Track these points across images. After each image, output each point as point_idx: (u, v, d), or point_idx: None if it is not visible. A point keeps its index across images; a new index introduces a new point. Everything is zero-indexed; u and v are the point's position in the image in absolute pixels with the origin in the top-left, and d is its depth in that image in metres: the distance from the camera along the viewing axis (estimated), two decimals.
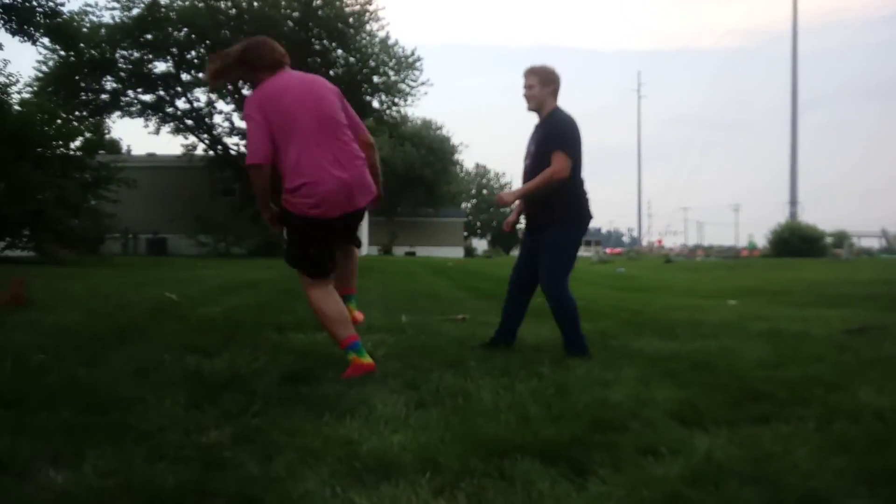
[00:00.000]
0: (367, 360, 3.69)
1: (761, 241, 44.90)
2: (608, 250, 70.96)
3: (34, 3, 16.86)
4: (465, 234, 66.84)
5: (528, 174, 4.50)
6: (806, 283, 13.67)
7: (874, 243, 64.41)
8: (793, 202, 42.17)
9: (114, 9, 24.97)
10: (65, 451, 2.30)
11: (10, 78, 16.90)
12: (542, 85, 4.45)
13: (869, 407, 3.05)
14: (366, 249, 47.38)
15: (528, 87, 4.49)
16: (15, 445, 2.33)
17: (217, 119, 28.51)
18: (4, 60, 20.64)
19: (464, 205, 72.73)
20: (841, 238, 46.55)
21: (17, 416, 2.65)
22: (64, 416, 2.66)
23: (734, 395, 3.28)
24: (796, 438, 2.61)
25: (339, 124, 3.76)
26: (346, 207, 3.72)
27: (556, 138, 4.35)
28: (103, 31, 24.53)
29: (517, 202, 4.69)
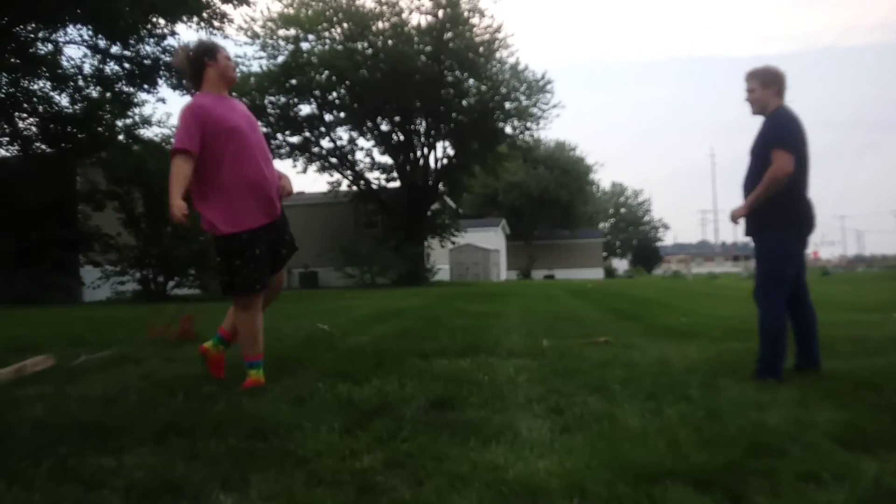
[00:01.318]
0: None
1: None
2: None
3: None
4: (605, 254, 65.61)
5: (749, 175, 4.30)
6: None
7: None
8: None
9: (261, 58, 26.83)
10: (232, 475, 2.47)
11: (173, 129, 18.45)
12: (763, 87, 4.27)
13: None
14: (504, 274, 47.58)
15: (749, 90, 4.32)
16: (188, 470, 2.52)
17: (359, 155, 29.94)
18: (167, 113, 22.57)
19: (601, 224, 71.53)
20: None
21: (189, 443, 2.87)
22: (231, 443, 2.86)
23: None
24: None
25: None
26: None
27: (776, 136, 4.15)
28: (252, 79, 26.33)
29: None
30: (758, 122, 4.34)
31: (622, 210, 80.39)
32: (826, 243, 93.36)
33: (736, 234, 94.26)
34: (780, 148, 4.06)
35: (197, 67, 4.09)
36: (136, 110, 18.22)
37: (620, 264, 72.52)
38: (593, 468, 2.49)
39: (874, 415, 3.11)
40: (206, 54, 4.08)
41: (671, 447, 2.71)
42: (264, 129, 28.15)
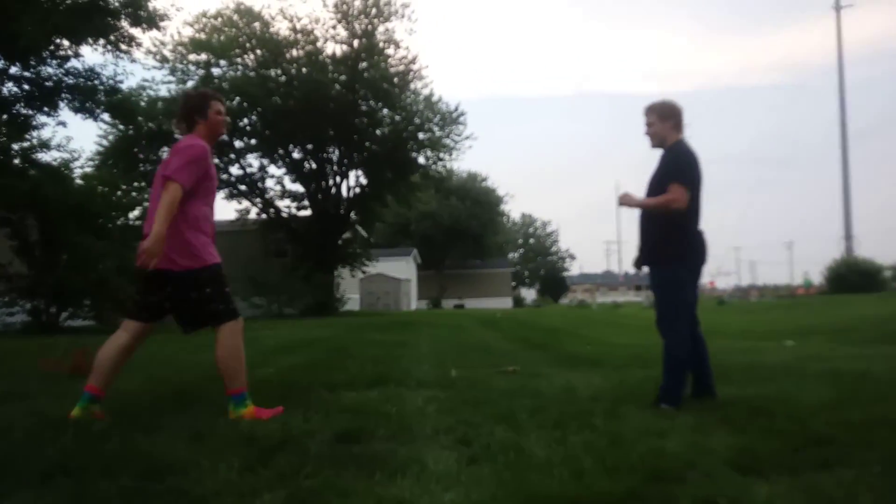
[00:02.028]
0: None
1: (817, 278, 43.71)
2: None
3: (96, 82, 17.75)
4: (514, 283, 66.62)
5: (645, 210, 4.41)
6: (865, 320, 13.22)
7: None
8: (848, 236, 41.03)
9: (170, 82, 26.12)
10: None
11: (73, 154, 17.68)
12: (661, 120, 4.37)
13: None
14: (415, 304, 47.58)
15: (648, 124, 4.42)
16: None
17: (269, 183, 29.35)
18: (67, 137, 21.64)
19: (511, 255, 72.73)
20: None
21: (76, 484, 2.71)
22: (122, 483, 2.71)
23: (794, 441, 3.19)
24: (860, 484, 2.52)
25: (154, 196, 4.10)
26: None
27: (672, 170, 4.26)
28: (160, 104, 25.61)
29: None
30: (658, 156, 4.49)
31: (531, 241, 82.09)
32: (722, 273, 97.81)
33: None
34: (676, 182, 4.20)
35: (189, 122, 4.20)
36: (35, 133, 17.36)
37: (529, 293, 73.79)
38: (499, 499, 2.49)
39: (767, 440, 3.24)
40: (196, 112, 4.18)
41: (575, 476, 2.74)
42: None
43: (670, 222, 4.23)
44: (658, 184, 4.30)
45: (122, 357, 4.19)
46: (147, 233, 3.94)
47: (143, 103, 24.94)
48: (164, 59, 25.69)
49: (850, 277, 33.22)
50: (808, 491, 2.49)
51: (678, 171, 4.25)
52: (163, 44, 25.48)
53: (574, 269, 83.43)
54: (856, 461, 2.81)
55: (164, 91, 26.00)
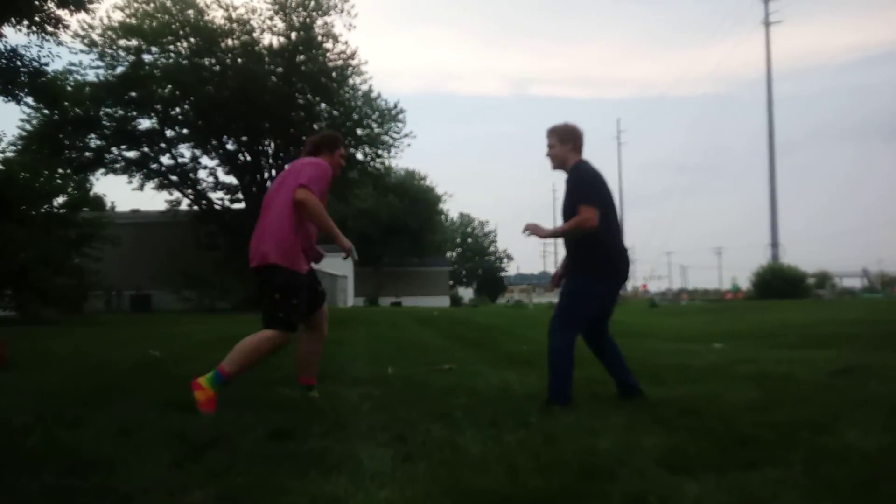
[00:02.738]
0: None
1: (744, 284, 45.19)
2: None
3: (18, 64, 17.02)
4: (451, 282, 66.81)
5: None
6: (790, 325, 13.74)
7: (856, 283, 64.91)
8: (774, 244, 42.55)
9: (98, 67, 25.22)
10: None
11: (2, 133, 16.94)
12: (561, 143, 4.45)
13: (856, 449, 3.05)
14: (351, 300, 47.22)
15: (549, 146, 4.49)
16: None
17: (202, 174, 28.64)
18: None
19: (449, 254, 72.93)
20: (823, 279, 46.84)
21: None
22: (45, 480, 2.61)
23: (722, 440, 3.28)
24: (784, 482, 2.61)
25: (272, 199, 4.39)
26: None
27: (577, 192, 4.35)
28: (87, 89, 24.71)
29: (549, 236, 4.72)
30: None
31: (469, 240, 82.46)
32: (654, 277, 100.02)
33: (544, 264, 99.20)
34: (583, 203, 4.28)
35: (315, 152, 4.62)
36: None
37: (466, 293, 74.10)
38: (434, 496, 2.48)
39: (696, 439, 3.32)
40: (326, 147, 4.63)
41: (510, 473, 2.75)
42: (98, 143, 26.56)
43: (587, 239, 4.31)
44: (570, 207, 4.39)
45: (317, 347, 4.68)
46: (261, 234, 4.31)
47: (69, 88, 24.08)
48: (92, 44, 24.76)
49: (776, 284, 34.43)
50: (734, 489, 2.56)
51: (584, 192, 4.33)
52: (91, 27, 24.55)
53: (511, 269, 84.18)
54: (780, 461, 2.90)
55: (91, 76, 25.17)
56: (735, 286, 51.60)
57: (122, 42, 25.15)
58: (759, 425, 3.58)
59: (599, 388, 5.10)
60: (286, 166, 4.80)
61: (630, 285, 70.75)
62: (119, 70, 25.22)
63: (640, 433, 3.48)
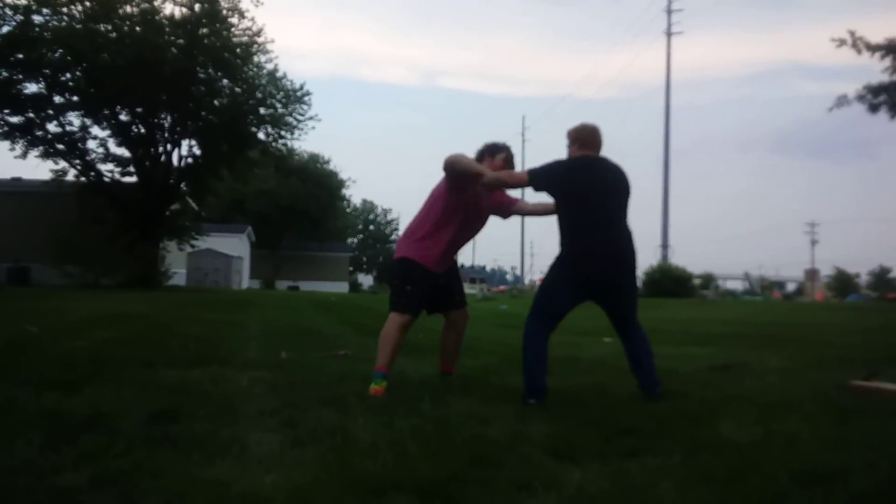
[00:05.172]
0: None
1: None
2: (492, 288, 72.19)
3: None
4: (351, 269, 66.33)
5: None
6: (675, 322, 14.36)
7: (738, 285, 68.65)
8: (665, 245, 44.32)
9: None
10: None
11: None
12: (570, 144, 4.49)
13: (729, 441, 3.22)
14: (246, 283, 46.14)
15: (567, 147, 4.51)
16: None
17: (91, 144, 27.09)
18: None
19: (350, 240, 72.29)
20: (708, 280, 49.26)
21: None
22: None
23: (606, 430, 3.38)
24: (663, 471, 2.71)
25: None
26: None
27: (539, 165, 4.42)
28: None
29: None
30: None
31: (371, 227, 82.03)
32: None
33: (473, 258, 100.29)
34: (527, 170, 4.38)
35: (481, 157, 4.76)
36: None
37: (366, 280, 73.75)
38: (322, 482, 2.45)
39: (581, 428, 3.41)
40: (488, 154, 4.75)
41: (400, 459, 2.75)
42: None
43: (561, 230, 4.36)
44: None
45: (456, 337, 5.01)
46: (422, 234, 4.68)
47: None
48: None
49: (664, 283, 35.90)
50: (615, 476, 2.64)
51: (540, 166, 4.39)
52: None
53: None
54: (659, 450, 3.02)
55: None
56: None
57: (8, 0, 23.49)
58: (641, 416, 3.72)
59: (494, 377, 5.18)
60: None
61: (527, 279, 72.30)
62: (5, 29, 23.54)
63: (529, 422, 3.55)
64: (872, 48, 18.36)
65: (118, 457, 2.64)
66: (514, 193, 4.92)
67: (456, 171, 4.52)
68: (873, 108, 19.39)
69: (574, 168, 4.40)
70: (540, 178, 4.36)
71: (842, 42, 18.62)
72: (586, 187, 4.33)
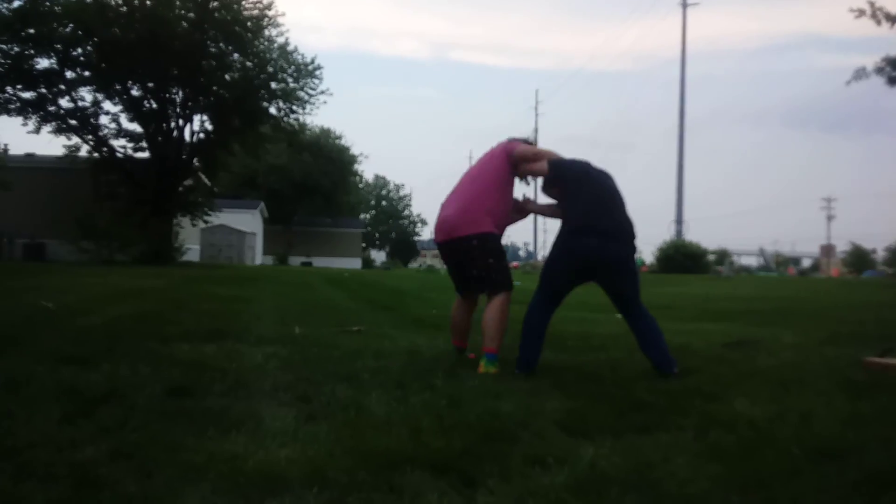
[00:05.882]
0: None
1: (649, 258, 46.88)
2: None
3: None
4: (364, 244, 66.46)
5: None
6: (689, 299, 14.33)
7: (753, 261, 68.25)
8: (679, 221, 44.13)
9: None
10: None
11: None
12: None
13: (742, 417, 3.22)
14: (259, 259, 46.33)
15: None
16: None
17: (104, 120, 27.13)
18: None
19: (363, 216, 72.34)
20: (722, 256, 49.04)
21: None
22: None
23: (619, 405, 3.39)
24: (675, 447, 2.72)
25: (475, 177, 4.78)
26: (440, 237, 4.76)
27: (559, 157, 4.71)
28: None
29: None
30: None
31: (383, 203, 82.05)
32: None
33: None
34: (549, 158, 4.65)
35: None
36: None
37: (378, 255, 73.92)
38: (336, 456, 2.47)
39: (594, 404, 3.42)
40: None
41: (413, 434, 2.76)
42: None
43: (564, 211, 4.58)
44: None
45: (467, 316, 5.01)
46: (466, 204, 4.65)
47: None
48: None
49: (678, 259, 35.81)
50: (628, 452, 2.65)
51: (560, 158, 4.69)
52: None
53: (425, 234, 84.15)
54: (672, 426, 3.03)
55: None
56: (640, 260, 53.32)
57: None
58: (654, 392, 3.72)
59: (506, 353, 5.18)
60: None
61: (540, 255, 72.16)
62: (16, 4, 23.51)
63: (543, 398, 3.55)
64: (893, 18, 18.00)
65: (135, 431, 2.67)
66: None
67: (527, 160, 4.71)
68: (892, 81, 19.07)
69: (589, 171, 4.63)
70: (558, 170, 4.59)
71: (861, 12, 18.23)
72: (588, 181, 4.56)
